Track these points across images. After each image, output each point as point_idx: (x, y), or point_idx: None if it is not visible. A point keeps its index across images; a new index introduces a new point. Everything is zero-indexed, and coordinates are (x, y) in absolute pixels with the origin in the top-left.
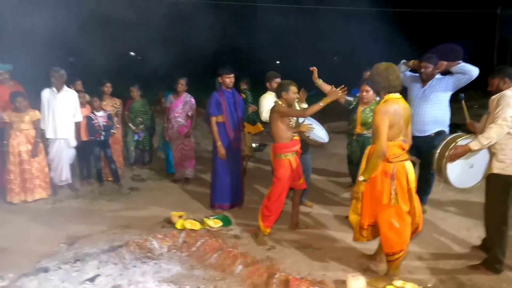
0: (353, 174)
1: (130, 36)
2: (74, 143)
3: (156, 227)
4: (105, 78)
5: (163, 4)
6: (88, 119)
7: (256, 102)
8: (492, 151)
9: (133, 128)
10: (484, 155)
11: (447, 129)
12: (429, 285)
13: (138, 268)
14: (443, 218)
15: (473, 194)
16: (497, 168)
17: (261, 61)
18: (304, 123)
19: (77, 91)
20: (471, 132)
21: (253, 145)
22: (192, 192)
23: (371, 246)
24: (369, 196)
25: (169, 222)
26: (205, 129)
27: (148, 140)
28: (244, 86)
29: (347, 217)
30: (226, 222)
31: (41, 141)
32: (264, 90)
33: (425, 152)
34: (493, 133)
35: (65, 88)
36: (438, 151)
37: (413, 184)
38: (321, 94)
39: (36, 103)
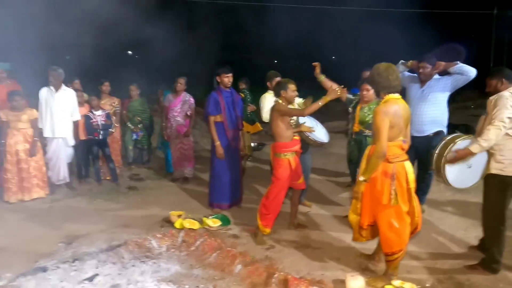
0: (353, 173)
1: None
2: (72, 142)
3: (155, 227)
4: (103, 77)
5: (162, 2)
6: (86, 118)
7: (255, 101)
8: (490, 152)
9: (132, 127)
10: (482, 156)
11: (445, 129)
12: (427, 285)
13: (137, 267)
14: (441, 218)
15: (471, 194)
16: (495, 169)
17: (261, 61)
18: (305, 124)
19: (75, 90)
20: None
21: (252, 144)
22: (191, 192)
23: (369, 246)
24: (369, 196)
25: (168, 222)
26: (204, 128)
27: (147, 139)
28: (243, 85)
29: (345, 216)
30: (225, 221)
31: (39, 140)
32: (264, 89)
33: (423, 152)
34: (491, 135)
35: (63, 87)
36: (437, 151)
37: (412, 184)
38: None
39: (34, 102)
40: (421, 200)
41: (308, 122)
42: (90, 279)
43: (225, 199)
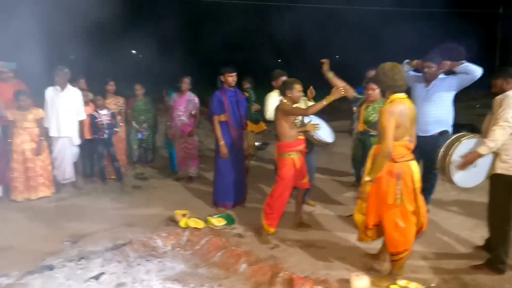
0: (357, 172)
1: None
2: (77, 141)
3: (160, 226)
4: (109, 77)
5: (164, 2)
6: (92, 117)
7: (259, 101)
8: (495, 152)
9: (137, 126)
10: (487, 155)
11: (450, 129)
12: (433, 285)
13: (142, 266)
14: (446, 217)
15: (476, 194)
16: (500, 169)
17: (265, 60)
18: (311, 122)
19: (81, 89)
20: None
21: (256, 143)
22: (196, 191)
23: (374, 246)
24: (375, 196)
25: (173, 221)
26: (208, 128)
27: (151, 139)
28: (247, 84)
29: (348, 216)
30: (230, 220)
31: (45, 139)
32: (268, 88)
33: (428, 152)
34: (497, 135)
35: (69, 86)
36: (442, 150)
37: (418, 184)
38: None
39: (40, 102)
40: (426, 200)
41: (314, 120)
42: (96, 277)
43: (229, 199)
